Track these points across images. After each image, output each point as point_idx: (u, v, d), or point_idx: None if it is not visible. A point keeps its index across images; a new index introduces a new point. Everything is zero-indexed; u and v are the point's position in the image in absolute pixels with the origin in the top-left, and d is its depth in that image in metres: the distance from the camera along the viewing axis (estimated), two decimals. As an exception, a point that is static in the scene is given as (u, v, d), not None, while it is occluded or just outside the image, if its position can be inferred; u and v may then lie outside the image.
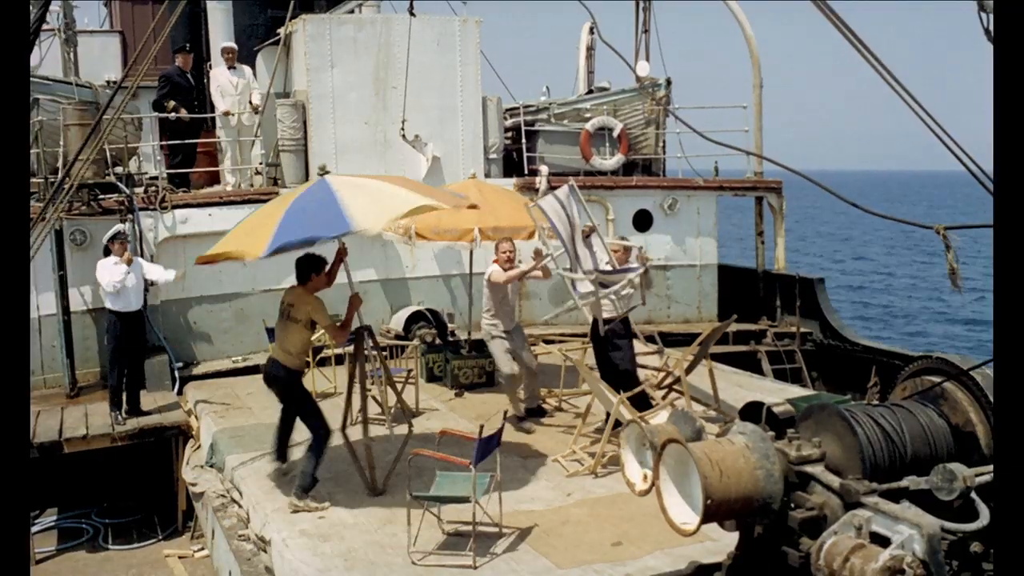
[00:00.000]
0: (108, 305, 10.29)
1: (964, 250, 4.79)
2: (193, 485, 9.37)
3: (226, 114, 13.35)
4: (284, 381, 7.95)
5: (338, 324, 8.18)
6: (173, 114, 13.13)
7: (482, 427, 6.88)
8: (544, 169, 14.19)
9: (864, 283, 45.16)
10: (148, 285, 11.57)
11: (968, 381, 4.61)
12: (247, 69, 13.97)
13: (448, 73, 13.79)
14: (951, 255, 4.45)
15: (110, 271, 10.15)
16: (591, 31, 17.23)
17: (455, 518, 7.06)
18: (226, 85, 13.61)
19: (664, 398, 9.51)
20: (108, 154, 12.06)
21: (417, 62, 13.14)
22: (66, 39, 16.90)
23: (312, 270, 8.08)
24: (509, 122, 15.16)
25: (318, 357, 11.39)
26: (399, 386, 10.20)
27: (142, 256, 11.50)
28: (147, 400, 10.94)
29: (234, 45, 13.99)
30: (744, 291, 15.31)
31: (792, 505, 4.14)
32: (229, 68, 13.67)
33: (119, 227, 10.75)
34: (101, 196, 11.79)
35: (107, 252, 10.43)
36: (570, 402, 10.59)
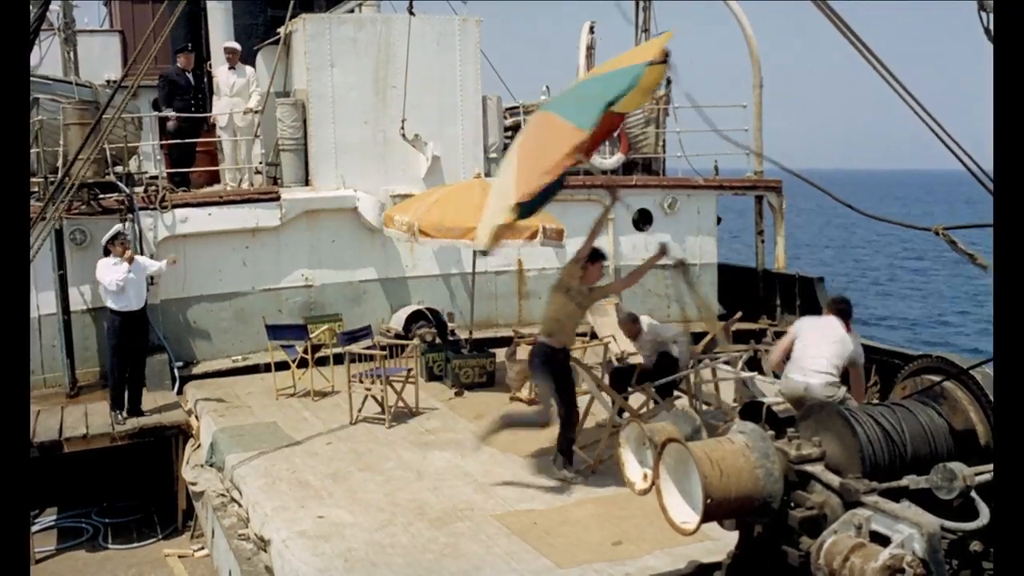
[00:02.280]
0: (110, 304, 10.28)
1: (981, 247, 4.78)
2: (193, 484, 9.37)
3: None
4: None
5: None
6: (163, 114, 13.16)
7: None
8: (544, 168, 14.17)
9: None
10: (150, 284, 11.59)
11: (968, 381, 4.61)
12: (248, 69, 13.96)
13: (448, 73, 13.78)
14: (960, 246, 4.46)
15: (111, 270, 10.15)
16: (591, 30, 17.21)
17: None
18: (222, 85, 13.63)
19: (665, 398, 9.53)
20: (108, 154, 12.06)
21: (417, 62, 13.14)
22: (66, 39, 16.90)
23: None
24: (509, 121, 15.15)
25: (316, 356, 11.41)
26: (399, 386, 10.22)
27: (142, 255, 11.51)
28: (147, 400, 10.94)
29: (235, 45, 13.99)
30: (744, 290, 15.31)
31: (792, 504, 4.15)
32: (230, 68, 13.68)
33: (118, 228, 10.75)
34: (101, 196, 11.79)
35: (106, 253, 10.42)
36: (570, 401, 10.58)
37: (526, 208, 7.07)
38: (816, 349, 7.45)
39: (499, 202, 7.24)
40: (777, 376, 8.65)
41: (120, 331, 10.28)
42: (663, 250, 8.20)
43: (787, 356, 7.70)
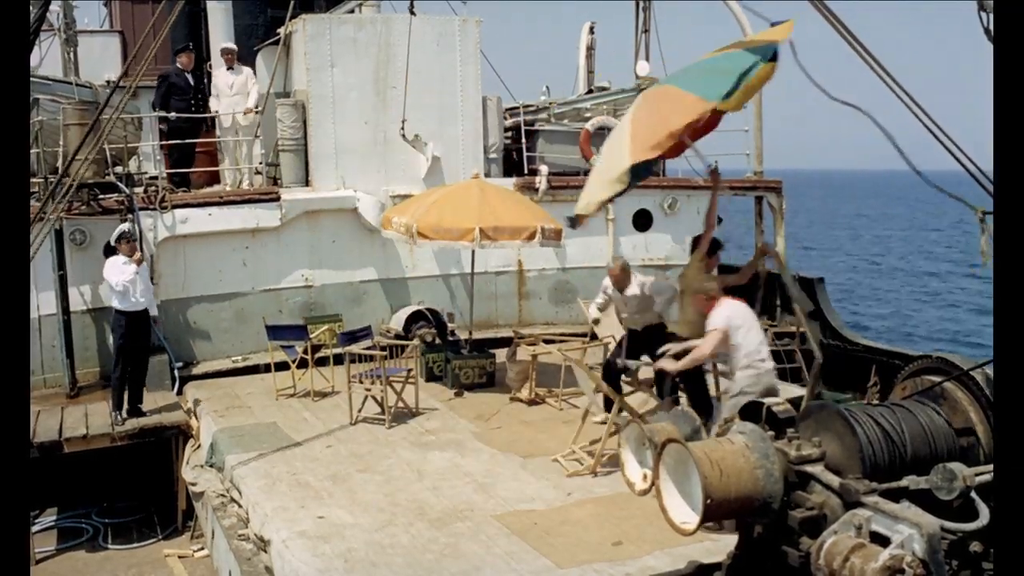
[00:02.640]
0: (115, 304, 10.28)
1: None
2: (193, 485, 9.37)
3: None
4: None
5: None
6: (166, 114, 13.13)
7: None
8: (544, 169, 14.19)
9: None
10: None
11: (968, 381, 4.61)
12: (246, 69, 13.96)
13: (448, 73, 13.78)
14: (984, 238, 4.50)
15: (120, 270, 10.15)
16: (591, 31, 17.23)
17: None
18: (221, 86, 13.61)
19: (664, 397, 9.54)
20: (108, 154, 12.05)
21: (417, 62, 13.14)
22: (66, 39, 16.87)
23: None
24: (509, 122, 15.15)
25: (316, 357, 11.40)
26: (399, 386, 10.21)
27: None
28: (147, 400, 10.93)
29: (232, 46, 13.98)
30: (744, 291, 15.28)
31: (792, 505, 4.14)
32: (228, 69, 13.67)
33: (125, 227, 10.73)
34: (101, 196, 11.79)
35: (109, 252, 10.41)
36: (570, 402, 10.59)
37: (639, 171, 6.94)
38: (765, 345, 7.51)
39: (609, 171, 7.04)
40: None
41: (126, 331, 10.28)
42: (765, 249, 8.37)
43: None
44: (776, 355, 13.80)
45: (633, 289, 9.33)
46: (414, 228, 10.23)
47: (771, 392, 7.09)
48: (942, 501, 3.99)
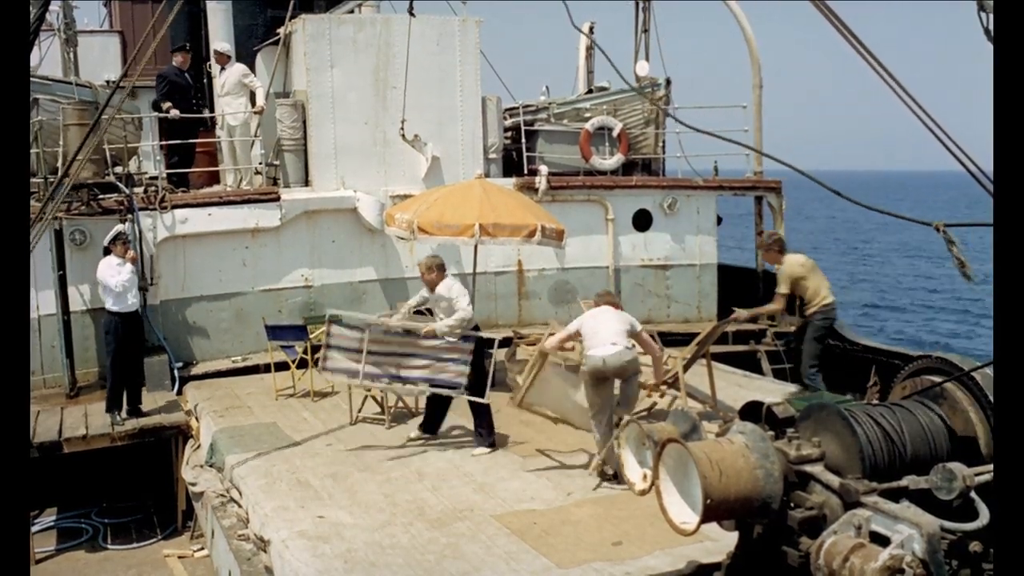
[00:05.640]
0: (109, 306, 10.28)
1: (971, 248, 4.77)
2: (193, 485, 9.37)
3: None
4: None
5: None
6: (166, 113, 13.11)
7: None
8: (544, 169, 14.19)
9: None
10: (148, 285, 11.60)
11: (968, 381, 4.61)
12: (238, 66, 13.91)
13: (448, 73, 13.78)
14: (956, 250, 4.45)
15: (116, 271, 10.16)
16: (591, 31, 17.22)
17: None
18: (226, 85, 13.59)
19: (662, 396, 9.56)
20: (108, 154, 12.06)
21: (417, 62, 13.13)
22: (66, 39, 16.89)
23: None
24: (509, 122, 15.15)
25: (316, 356, 11.38)
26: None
27: (141, 257, 11.54)
28: (147, 400, 10.95)
29: (222, 47, 13.92)
30: (744, 291, 15.31)
31: (792, 505, 4.14)
32: (221, 70, 13.63)
33: (120, 228, 10.75)
34: (101, 196, 11.79)
35: (106, 253, 10.42)
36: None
37: None
38: (605, 328, 8.08)
39: None
40: None
41: (121, 332, 10.28)
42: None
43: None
44: (776, 355, 13.97)
45: (441, 290, 9.07)
46: (415, 224, 10.23)
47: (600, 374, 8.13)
48: (942, 501, 3.99)
